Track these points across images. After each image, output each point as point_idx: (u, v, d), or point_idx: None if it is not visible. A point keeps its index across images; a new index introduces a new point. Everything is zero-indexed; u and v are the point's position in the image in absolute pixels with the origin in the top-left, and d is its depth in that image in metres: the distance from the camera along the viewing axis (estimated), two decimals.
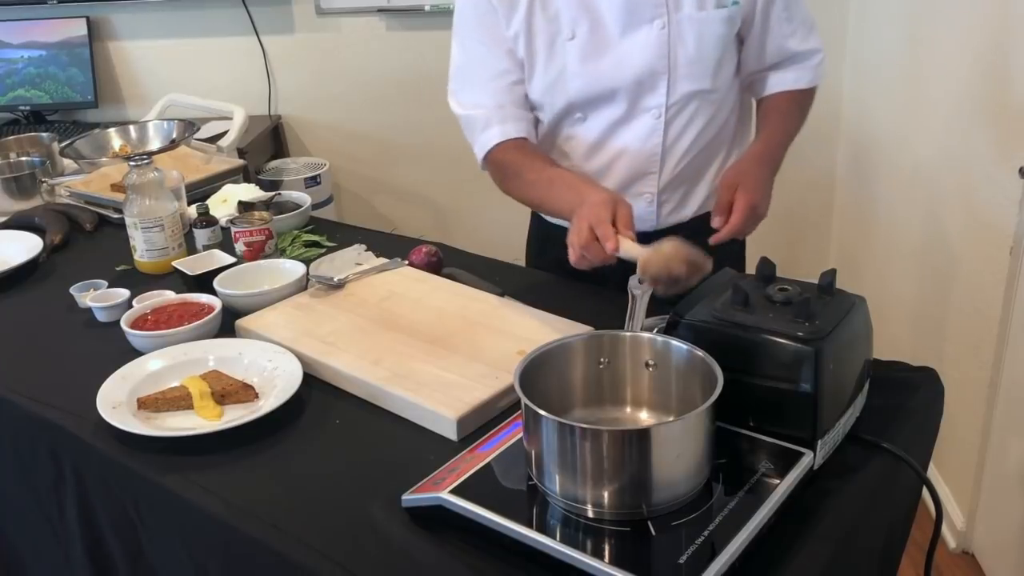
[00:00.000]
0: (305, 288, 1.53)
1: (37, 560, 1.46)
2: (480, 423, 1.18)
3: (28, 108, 3.16)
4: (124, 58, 3.23)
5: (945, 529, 2.30)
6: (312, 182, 2.96)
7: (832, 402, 1.04)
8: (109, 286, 1.60)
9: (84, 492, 1.27)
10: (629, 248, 1.20)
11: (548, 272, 1.64)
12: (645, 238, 1.23)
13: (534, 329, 1.35)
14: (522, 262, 1.71)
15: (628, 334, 1.10)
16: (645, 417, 1.09)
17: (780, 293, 1.08)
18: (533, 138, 1.53)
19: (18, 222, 1.93)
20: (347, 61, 3.15)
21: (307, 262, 1.60)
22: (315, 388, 1.29)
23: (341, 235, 1.81)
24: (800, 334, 1.01)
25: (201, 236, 1.73)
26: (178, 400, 1.25)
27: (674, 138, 1.52)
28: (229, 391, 1.26)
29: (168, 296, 1.52)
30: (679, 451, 0.93)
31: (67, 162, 2.28)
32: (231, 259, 1.64)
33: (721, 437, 1.00)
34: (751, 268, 1.26)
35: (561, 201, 1.38)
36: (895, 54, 2.63)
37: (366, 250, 1.64)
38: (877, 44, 2.75)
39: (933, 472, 2.33)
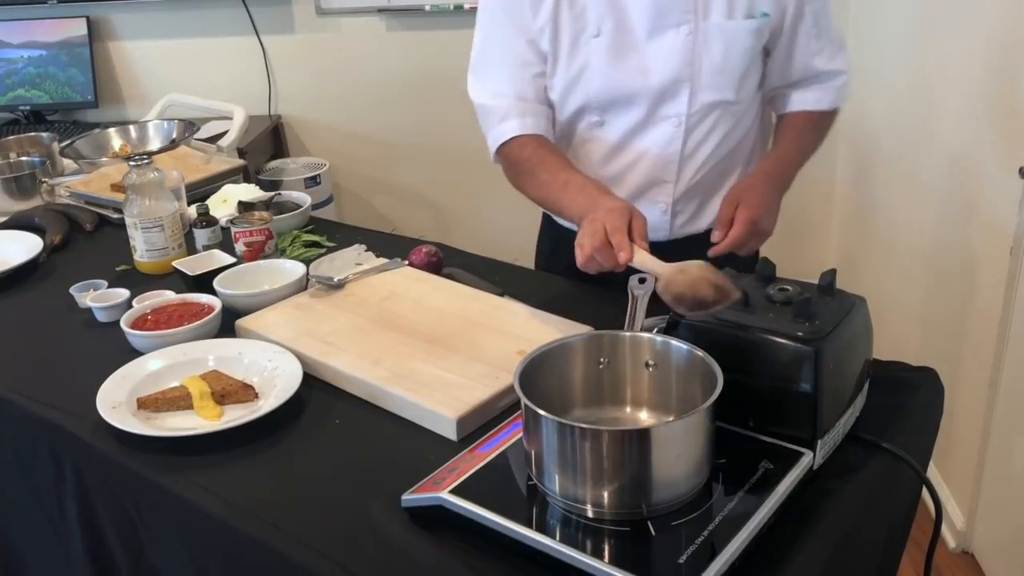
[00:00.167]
0: (305, 288, 1.53)
1: (38, 560, 1.46)
2: (480, 423, 1.18)
3: (28, 108, 3.16)
4: (124, 58, 3.23)
5: (945, 529, 2.30)
6: (312, 182, 2.96)
7: (832, 402, 1.04)
8: (109, 286, 1.60)
9: (84, 492, 1.27)
10: (644, 260, 1.18)
11: (553, 267, 1.63)
12: (658, 247, 1.21)
13: (534, 329, 1.35)
14: (522, 262, 1.71)
15: (628, 334, 1.10)
16: (645, 417, 1.09)
17: (780, 293, 1.08)
18: (551, 135, 1.51)
19: (18, 222, 1.93)
20: (347, 61, 3.15)
21: (307, 262, 1.60)
22: (315, 388, 1.29)
23: (341, 235, 1.81)
24: (800, 334, 1.01)
25: (201, 236, 1.73)
26: (178, 400, 1.25)
27: (693, 148, 1.50)
28: (229, 391, 1.26)
29: (168, 296, 1.52)
30: (679, 451, 0.93)
31: (67, 162, 2.28)
32: (231, 259, 1.64)
33: (721, 437, 1.00)
34: None
35: (574, 205, 1.37)
36: (896, 54, 2.63)
37: (366, 250, 1.64)
38: (877, 44, 2.75)
39: (933, 472, 2.33)
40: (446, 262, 1.63)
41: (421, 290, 1.50)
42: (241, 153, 2.65)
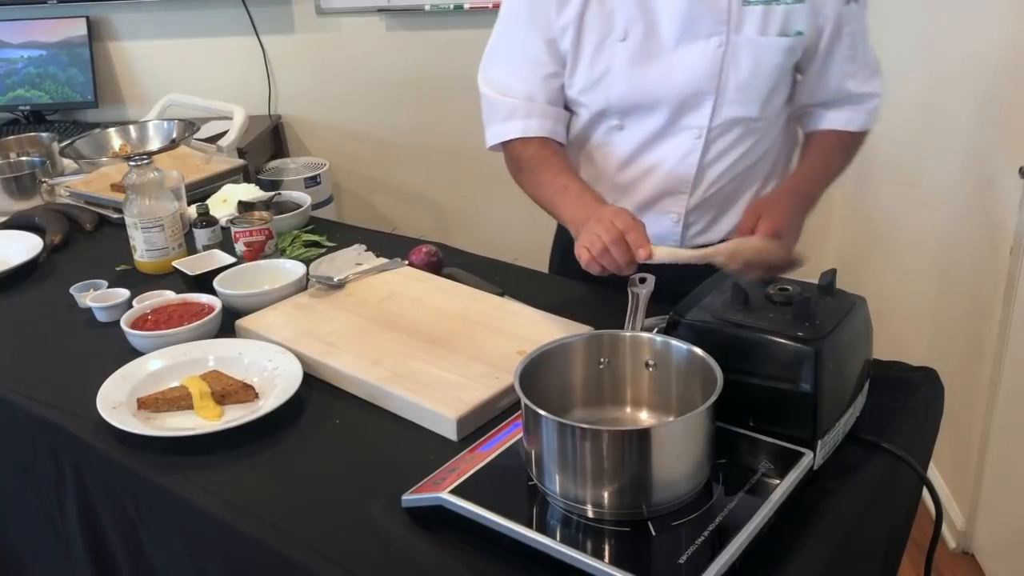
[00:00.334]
0: (305, 288, 1.53)
1: (38, 559, 1.46)
2: (480, 423, 1.18)
3: (28, 108, 3.16)
4: (124, 58, 3.23)
5: (945, 529, 2.30)
6: (312, 182, 2.96)
7: (832, 402, 1.04)
8: (109, 286, 1.60)
9: (85, 492, 1.27)
10: (665, 253, 1.18)
11: (568, 270, 1.62)
12: (665, 264, 1.21)
13: (534, 329, 1.35)
14: (522, 262, 1.70)
15: (628, 334, 1.10)
16: (645, 417, 1.08)
17: (780, 293, 1.08)
18: (560, 136, 1.49)
19: (18, 222, 1.93)
20: (347, 61, 3.15)
21: (307, 262, 1.60)
22: (315, 388, 1.29)
23: (341, 235, 1.81)
24: (800, 334, 1.01)
25: (201, 236, 1.73)
26: (178, 400, 1.25)
27: (710, 161, 1.48)
28: (229, 391, 1.26)
29: (168, 296, 1.52)
30: (679, 451, 0.93)
31: (67, 162, 2.28)
32: (231, 259, 1.64)
33: (721, 437, 1.00)
34: None
35: (568, 209, 1.36)
36: (896, 55, 2.63)
37: (366, 250, 1.64)
38: (878, 44, 2.74)
39: (933, 472, 2.33)
40: (446, 262, 1.63)
41: (421, 290, 1.50)
42: (241, 153, 2.65)
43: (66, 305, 1.58)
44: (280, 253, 1.71)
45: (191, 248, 1.73)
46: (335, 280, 1.52)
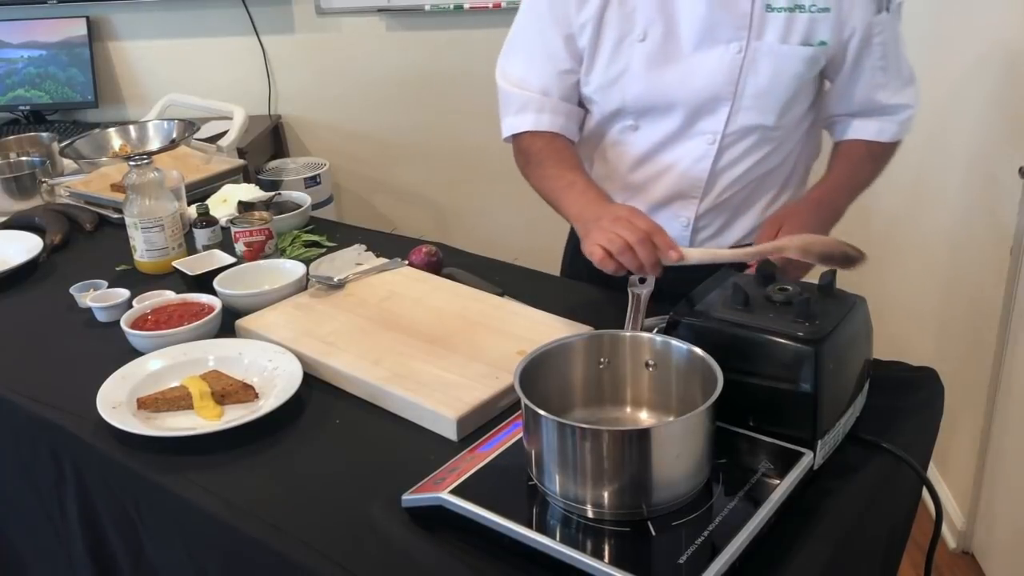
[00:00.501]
0: (305, 288, 1.53)
1: (38, 560, 1.46)
2: (480, 423, 1.18)
3: (28, 108, 3.16)
4: (124, 58, 3.23)
5: (945, 529, 2.30)
6: (312, 182, 2.96)
7: (832, 402, 1.04)
8: (109, 286, 1.60)
9: (85, 492, 1.27)
10: (699, 254, 1.17)
11: (580, 276, 1.62)
12: (675, 266, 1.19)
13: (534, 329, 1.35)
14: (522, 262, 1.70)
15: (628, 334, 1.10)
16: (645, 417, 1.08)
17: (780, 293, 1.08)
18: (571, 133, 1.49)
19: (18, 222, 1.93)
20: (347, 61, 3.15)
21: (307, 262, 1.60)
22: (315, 388, 1.29)
23: (341, 235, 1.81)
24: (800, 334, 1.01)
25: (201, 236, 1.73)
26: (178, 400, 1.25)
27: (724, 167, 1.46)
28: (229, 391, 1.26)
29: (168, 296, 1.52)
30: (679, 451, 0.93)
31: (67, 162, 2.28)
32: (231, 259, 1.64)
33: (721, 437, 1.00)
34: None
35: (574, 205, 1.34)
36: None
37: (366, 250, 1.64)
38: None
39: (933, 472, 2.33)
40: (446, 262, 1.63)
41: (421, 290, 1.50)
42: (241, 153, 2.65)
43: (66, 305, 1.58)
44: (280, 253, 1.71)
45: (191, 248, 1.73)
46: (335, 280, 1.52)
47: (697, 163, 1.46)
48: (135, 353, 1.37)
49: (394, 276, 1.56)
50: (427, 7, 3.01)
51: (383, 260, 1.61)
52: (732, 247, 1.52)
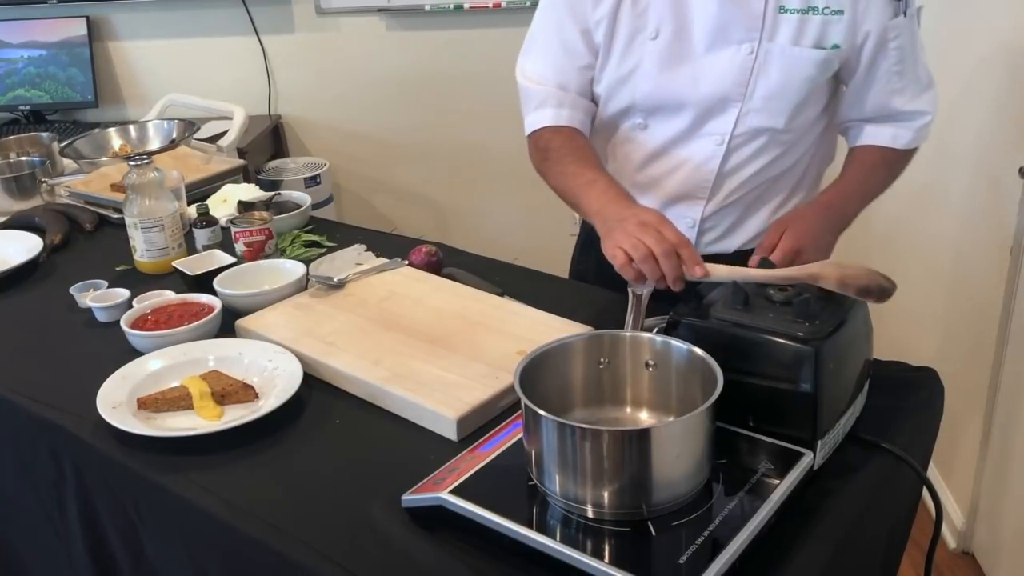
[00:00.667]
0: (305, 288, 1.53)
1: (38, 560, 1.46)
2: (480, 423, 1.18)
3: (28, 108, 3.16)
4: (124, 58, 3.23)
5: (945, 529, 2.30)
6: (312, 182, 2.96)
7: (832, 402, 1.04)
8: (109, 286, 1.60)
9: (85, 492, 1.27)
10: (726, 272, 1.12)
11: (586, 276, 1.61)
12: None
13: (534, 329, 1.35)
14: (522, 262, 1.70)
15: (628, 334, 1.10)
16: (645, 417, 1.08)
17: (780, 293, 1.08)
18: (587, 129, 1.48)
19: (18, 222, 1.93)
20: (347, 61, 3.15)
21: (307, 262, 1.60)
22: (315, 388, 1.29)
23: (341, 235, 1.80)
24: (800, 334, 1.01)
25: (201, 236, 1.73)
26: (178, 400, 1.25)
27: (731, 169, 1.45)
28: (229, 391, 1.26)
29: (168, 296, 1.52)
30: (679, 451, 0.93)
31: (67, 162, 2.28)
32: (231, 259, 1.64)
33: (721, 437, 1.00)
34: None
35: (595, 203, 1.32)
36: None
37: (366, 250, 1.64)
38: None
39: (933, 472, 2.33)
40: (446, 262, 1.63)
41: (421, 290, 1.50)
42: (241, 153, 2.65)
43: (66, 305, 1.58)
44: (280, 253, 1.71)
45: (191, 248, 1.73)
46: (335, 280, 1.52)
47: (704, 164, 1.45)
48: (135, 353, 1.37)
49: (394, 276, 1.56)
50: (427, 7, 3.01)
51: (383, 260, 1.61)
52: (738, 251, 1.51)
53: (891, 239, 2.63)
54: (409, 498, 1.02)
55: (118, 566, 1.27)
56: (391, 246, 1.69)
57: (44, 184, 2.07)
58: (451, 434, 1.16)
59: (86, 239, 1.90)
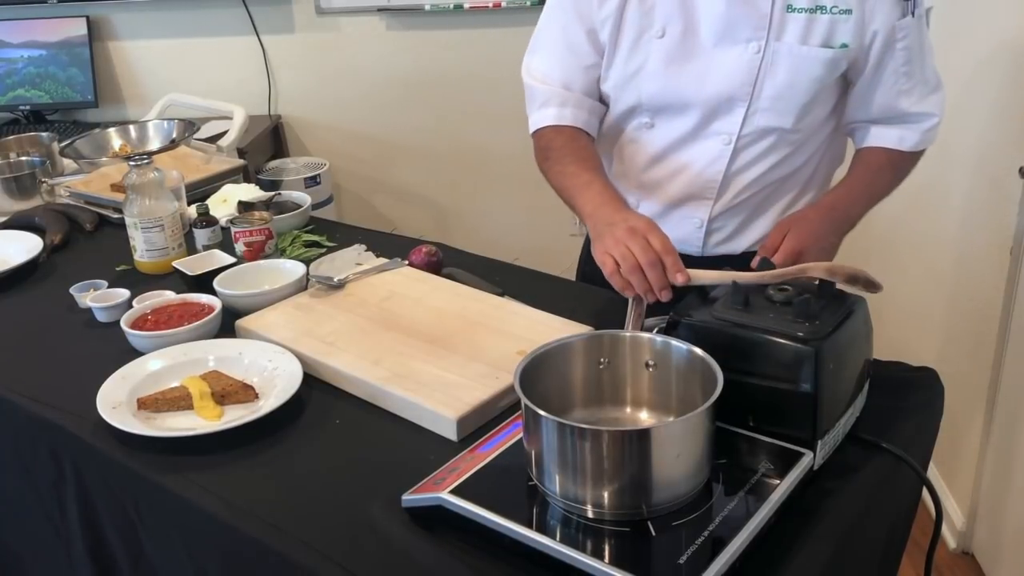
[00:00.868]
0: (305, 288, 1.53)
1: (38, 560, 1.46)
2: (480, 423, 1.18)
3: (28, 108, 3.16)
4: (124, 58, 3.23)
5: (945, 529, 2.30)
6: (312, 182, 2.96)
7: (832, 402, 1.04)
8: (109, 286, 1.60)
9: (85, 492, 1.27)
10: (712, 276, 1.14)
11: (594, 278, 1.61)
12: (689, 264, 1.18)
13: (534, 329, 1.35)
14: (522, 262, 1.70)
15: (628, 334, 1.10)
16: (645, 417, 1.08)
17: (780, 293, 1.08)
18: (593, 129, 1.48)
19: (18, 222, 1.93)
20: (347, 61, 3.15)
21: (307, 262, 1.60)
22: (315, 388, 1.29)
23: (341, 235, 1.80)
24: (800, 334, 1.01)
25: (201, 236, 1.73)
26: (178, 400, 1.25)
27: (738, 169, 1.44)
28: (229, 391, 1.25)
29: (168, 296, 1.52)
30: (679, 451, 0.93)
31: (67, 162, 2.28)
32: (231, 259, 1.64)
33: (721, 437, 1.00)
34: None
35: (590, 204, 1.33)
36: None
37: (366, 250, 1.64)
38: None
39: (933, 472, 2.33)
40: (446, 262, 1.63)
41: (421, 290, 1.50)
42: (241, 153, 2.65)
43: (66, 305, 1.58)
44: (280, 253, 1.71)
45: (191, 248, 1.73)
46: (335, 280, 1.52)
47: (712, 164, 1.45)
48: (135, 353, 1.37)
49: (394, 276, 1.56)
50: (427, 7, 3.01)
51: (383, 260, 1.61)
52: (745, 252, 1.51)
53: (891, 239, 2.63)
54: (409, 498, 1.02)
55: (118, 566, 1.27)
56: (391, 246, 1.69)
57: (44, 184, 2.07)
58: (451, 434, 1.16)
59: (86, 239, 1.90)
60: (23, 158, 2.21)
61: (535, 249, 2.82)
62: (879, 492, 1.07)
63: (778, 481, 0.97)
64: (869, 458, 1.09)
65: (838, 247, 1.43)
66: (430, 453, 1.12)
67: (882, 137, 1.46)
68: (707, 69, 1.38)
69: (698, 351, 1.02)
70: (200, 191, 2.02)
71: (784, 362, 1.01)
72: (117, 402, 1.24)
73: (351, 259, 1.60)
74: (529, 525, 0.93)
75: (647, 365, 1.07)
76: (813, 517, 0.99)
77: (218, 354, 1.35)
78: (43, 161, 2.17)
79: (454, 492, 0.97)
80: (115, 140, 2.42)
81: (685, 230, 1.50)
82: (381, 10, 3.05)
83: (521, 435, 1.01)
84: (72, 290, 1.59)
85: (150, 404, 1.25)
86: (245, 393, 1.26)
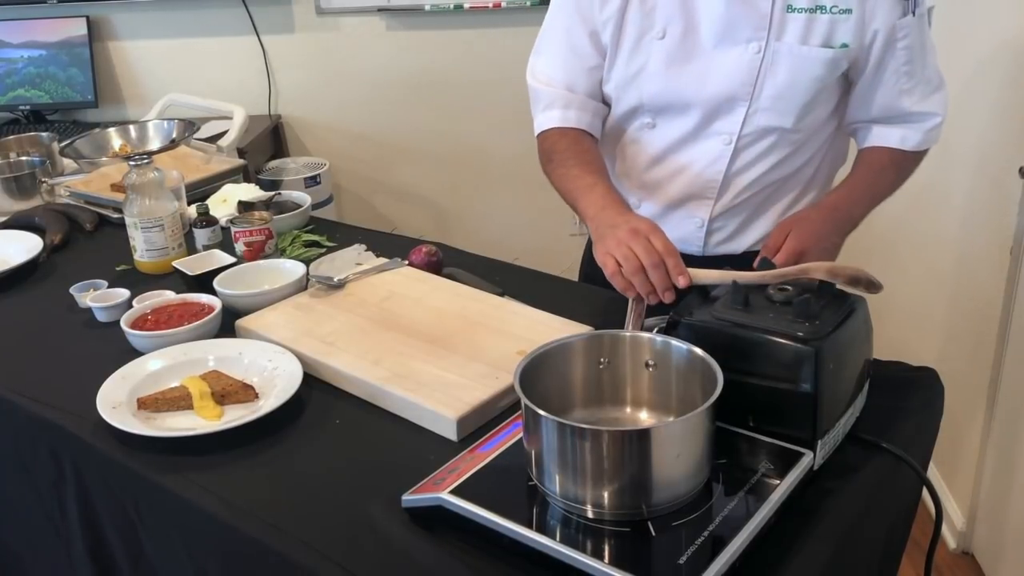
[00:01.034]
0: (305, 288, 1.53)
1: (38, 560, 1.46)
2: (480, 423, 1.18)
3: (28, 108, 3.16)
4: (124, 58, 3.23)
5: (945, 529, 2.30)
6: (312, 182, 2.96)
7: (832, 402, 1.04)
8: (109, 286, 1.60)
9: (85, 492, 1.27)
10: (713, 275, 1.14)
11: (596, 279, 1.61)
12: (690, 263, 1.18)
13: (534, 329, 1.35)
14: (522, 262, 1.70)
15: (628, 334, 1.10)
16: (645, 417, 1.08)
17: (780, 293, 1.08)
18: (595, 130, 1.48)
19: (18, 222, 1.93)
20: (347, 61, 3.15)
21: (307, 262, 1.60)
22: (315, 388, 1.29)
23: (341, 235, 1.80)
24: (800, 334, 1.01)
25: (201, 236, 1.73)
26: (178, 400, 1.25)
27: (739, 169, 1.45)
28: (229, 391, 1.25)
29: (168, 296, 1.52)
30: (679, 451, 0.93)
31: (67, 162, 2.28)
32: (231, 259, 1.64)
33: (721, 437, 1.00)
34: None
35: (593, 206, 1.33)
36: None
37: (366, 250, 1.64)
38: None
39: (933, 472, 2.33)
40: (446, 262, 1.63)
41: (421, 290, 1.50)
42: (241, 153, 2.65)
43: (66, 305, 1.58)
44: (280, 253, 1.71)
45: (191, 248, 1.73)
46: (335, 280, 1.52)
47: (712, 164, 1.45)
48: (135, 353, 1.37)
49: (394, 276, 1.56)
50: (427, 7, 3.01)
51: (383, 260, 1.61)
52: (746, 252, 1.51)
53: (891, 239, 2.63)
54: (409, 498, 1.02)
55: (118, 566, 1.27)
56: (391, 246, 1.69)
57: (44, 184, 2.07)
58: (451, 434, 1.16)
59: (86, 239, 1.90)
60: (23, 158, 2.21)
61: (535, 249, 2.82)
62: (879, 492, 1.07)
63: (778, 481, 0.97)
64: (869, 458, 1.09)
65: (840, 247, 1.43)
66: (430, 453, 1.12)
67: (884, 137, 1.46)
68: (708, 69, 1.39)
69: (698, 351, 1.02)
70: (200, 191, 2.02)
71: (784, 362, 1.01)
72: (117, 402, 1.24)
73: (351, 259, 1.60)
74: (529, 525, 0.93)
75: (647, 365, 1.07)
76: (813, 517, 0.99)
77: (218, 354, 1.35)
78: (43, 161, 2.17)
79: (454, 492, 0.97)
80: (115, 140, 2.42)
81: (686, 230, 1.50)
82: (381, 10, 3.05)
83: (521, 435, 1.01)
84: (72, 290, 1.59)
85: (150, 404, 1.25)
86: (245, 393, 1.26)
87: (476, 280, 1.55)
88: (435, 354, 1.30)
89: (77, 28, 3.12)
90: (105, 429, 1.20)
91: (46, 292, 1.67)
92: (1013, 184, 1.93)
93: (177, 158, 2.13)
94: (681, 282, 1.16)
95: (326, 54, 3.15)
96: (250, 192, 1.95)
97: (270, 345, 1.35)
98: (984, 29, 2.13)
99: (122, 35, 3.20)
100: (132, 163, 1.66)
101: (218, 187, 2.03)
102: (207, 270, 1.58)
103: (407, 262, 1.61)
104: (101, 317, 1.52)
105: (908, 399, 1.21)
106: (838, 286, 1.09)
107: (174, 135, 2.43)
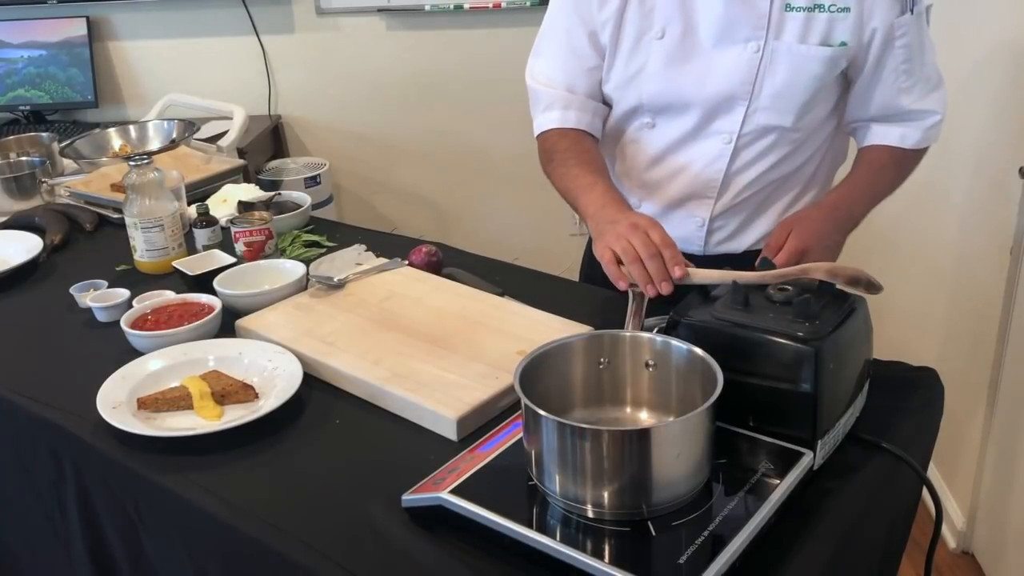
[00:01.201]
0: (305, 288, 1.53)
1: (38, 560, 1.46)
2: (480, 423, 1.18)
3: (28, 108, 3.16)
4: (124, 58, 3.23)
5: (945, 529, 2.30)
6: (312, 182, 2.96)
7: (832, 402, 1.04)
8: (109, 286, 1.60)
9: (85, 492, 1.27)
10: (714, 275, 1.14)
11: (596, 279, 1.61)
12: (691, 262, 1.18)
13: (534, 329, 1.35)
14: (522, 262, 1.70)
15: (628, 334, 1.10)
16: (645, 417, 1.08)
17: (780, 293, 1.08)
18: (595, 130, 1.49)
19: (18, 222, 1.93)
20: (347, 61, 3.15)
21: (307, 262, 1.60)
22: (315, 388, 1.29)
23: (341, 235, 1.81)
24: (800, 334, 1.01)
25: (201, 236, 1.73)
26: (178, 400, 1.25)
27: (739, 168, 1.45)
28: (229, 391, 1.26)
29: (168, 296, 1.52)
30: (679, 451, 0.93)
31: (67, 162, 2.28)
32: (231, 259, 1.64)
33: (721, 437, 1.00)
34: None
35: (593, 205, 1.34)
36: None
37: (366, 250, 1.64)
38: None
39: (933, 472, 2.33)
40: (446, 262, 1.63)
41: (421, 290, 1.50)
42: (241, 153, 2.65)
43: (66, 305, 1.58)
44: (280, 253, 1.71)
45: (191, 248, 1.73)
46: (335, 280, 1.52)
47: (713, 163, 1.45)
48: (135, 353, 1.37)
49: (394, 276, 1.56)
50: (427, 7, 3.01)
51: (383, 260, 1.61)
52: (747, 251, 1.51)
53: (891, 239, 2.63)
54: (409, 498, 1.02)
55: (118, 566, 1.27)
56: (391, 246, 1.69)
57: (44, 184, 2.07)
58: (451, 434, 1.16)
59: (86, 239, 1.90)
60: (23, 158, 2.21)
61: (535, 249, 2.82)
62: (879, 492, 1.07)
63: (778, 481, 0.97)
64: (869, 458, 1.09)
65: (842, 246, 1.43)
66: (430, 453, 1.12)
67: (884, 135, 1.47)
68: (707, 69, 1.39)
69: (698, 351, 1.02)
70: (200, 191, 2.02)
71: (784, 362, 1.01)
72: (117, 402, 1.24)
73: (351, 259, 1.60)
74: (529, 525, 0.93)
75: (647, 365, 1.07)
76: (813, 517, 0.99)
77: (218, 354, 1.35)
78: (43, 161, 2.17)
79: (454, 492, 0.97)
80: (115, 140, 2.42)
81: (687, 229, 1.50)
82: (381, 10, 3.05)
83: (521, 435, 1.01)
84: (72, 290, 1.59)
85: (150, 404, 1.25)
86: (245, 393, 1.26)
87: (476, 280, 1.55)
88: (435, 354, 1.30)
89: (77, 28, 3.12)
90: (105, 429, 1.20)
91: (46, 292, 1.67)
92: (1013, 184, 1.93)
93: (177, 158, 2.13)
94: (677, 272, 1.16)
95: (326, 54, 3.15)
96: (250, 192, 1.95)
97: (270, 345, 1.35)
98: (983, 29, 2.13)
99: (122, 35, 3.20)
100: (132, 163, 1.66)
101: (218, 187, 2.03)
102: (207, 270, 1.58)
103: (407, 262, 1.61)
104: (101, 317, 1.52)
105: (908, 399, 1.21)
106: (838, 286, 1.09)
107: (174, 135, 2.43)
